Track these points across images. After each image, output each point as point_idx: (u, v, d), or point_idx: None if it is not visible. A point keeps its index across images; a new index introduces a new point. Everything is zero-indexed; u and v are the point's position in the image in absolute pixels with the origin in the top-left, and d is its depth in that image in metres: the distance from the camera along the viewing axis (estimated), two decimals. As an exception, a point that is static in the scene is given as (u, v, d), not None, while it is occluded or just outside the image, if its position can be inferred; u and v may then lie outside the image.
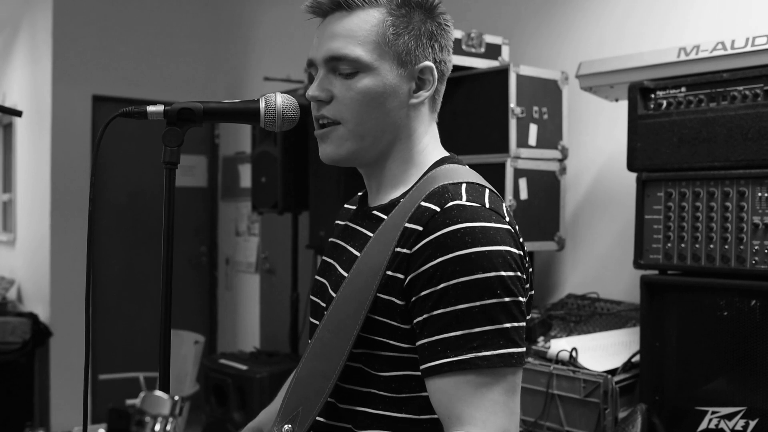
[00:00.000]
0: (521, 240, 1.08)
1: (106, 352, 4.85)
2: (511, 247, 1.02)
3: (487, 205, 1.04)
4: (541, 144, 2.71)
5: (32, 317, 4.77)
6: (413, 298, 1.02)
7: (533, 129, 2.67)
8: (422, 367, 1.01)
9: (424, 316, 1.00)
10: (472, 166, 2.84)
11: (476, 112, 2.71)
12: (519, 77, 2.61)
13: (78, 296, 4.68)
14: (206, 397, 3.68)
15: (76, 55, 4.83)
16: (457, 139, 2.70)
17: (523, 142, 2.64)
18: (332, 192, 3.33)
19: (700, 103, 2.08)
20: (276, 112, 1.09)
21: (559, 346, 2.34)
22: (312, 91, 1.12)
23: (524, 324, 1.03)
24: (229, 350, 4.82)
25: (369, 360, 1.08)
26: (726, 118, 2.01)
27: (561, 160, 2.80)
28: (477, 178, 1.12)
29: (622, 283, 2.73)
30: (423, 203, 1.05)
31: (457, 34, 2.68)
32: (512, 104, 2.59)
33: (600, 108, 2.84)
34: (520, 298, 1.02)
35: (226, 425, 3.54)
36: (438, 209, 1.03)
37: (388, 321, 1.05)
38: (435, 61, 1.13)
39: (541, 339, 2.51)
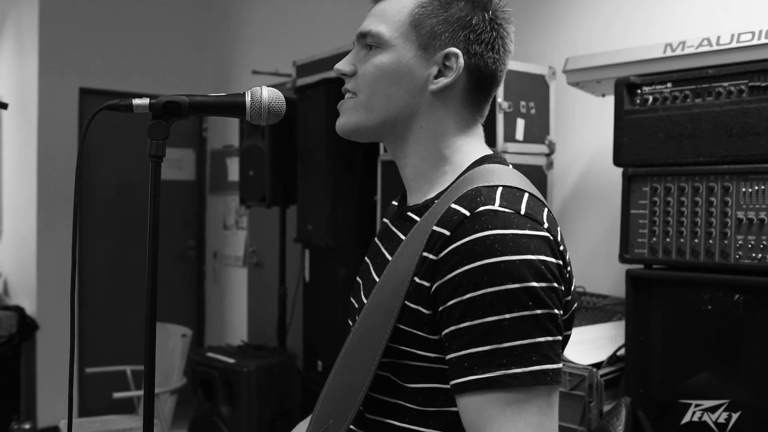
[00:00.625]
0: (562, 248, 1.01)
1: (93, 345, 4.83)
2: (546, 256, 0.96)
3: (523, 212, 0.98)
4: (528, 139, 2.72)
5: (19, 311, 4.75)
6: (440, 308, 0.97)
7: (520, 124, 2.68)
8: (451, 383, 0.96)
9: (452, 328, 0.95)
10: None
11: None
12: (506, 72, 2.61)
13: (65, 289, 4.66)
14: (194, 390, 3.68)
15: (62, 47, 4.80)
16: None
17: (510, 137, 2.65)
18: (320, 186, 3.34)
19: (685, 99, 2.09)
20: (262, 105, 1.09)
21: (545, 339, 2.35)
22: (338, 64, 1.13)
23: (560, 338, 0.96)
24: (216, 344, 4.82)
25: (397, 370, 1.03)
26: (711, 114, 2.02)
27: (548, 155, 2.81)
28: (518, 180, 1.06)
29: (609, 277, 2.75)
30: (453, 206, 1.00)
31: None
32: (499, 99, 2.59)
33: (588, 103, 2.85)
34: (555, 311, 0.95)
35: (213, 419, 3.54)
36: (468, 213, 0.97)
37: (416, 331, 1.00)
38: (467, 52, 1.08)
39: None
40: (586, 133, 2.93)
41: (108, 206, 5.08)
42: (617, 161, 2.21)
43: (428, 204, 1.08)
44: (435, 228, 0.99)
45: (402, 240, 1.07)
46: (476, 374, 0.92)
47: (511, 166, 1.13)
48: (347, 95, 1.13)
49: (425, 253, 0.99)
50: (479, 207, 0.97)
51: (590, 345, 2.36)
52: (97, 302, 4.94)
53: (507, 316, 0.92)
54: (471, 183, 1.04)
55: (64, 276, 4.68)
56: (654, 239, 2.14)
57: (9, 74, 5.45)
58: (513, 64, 2.64)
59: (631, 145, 2.18)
